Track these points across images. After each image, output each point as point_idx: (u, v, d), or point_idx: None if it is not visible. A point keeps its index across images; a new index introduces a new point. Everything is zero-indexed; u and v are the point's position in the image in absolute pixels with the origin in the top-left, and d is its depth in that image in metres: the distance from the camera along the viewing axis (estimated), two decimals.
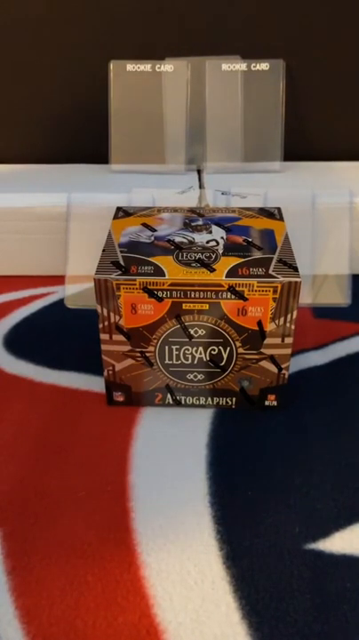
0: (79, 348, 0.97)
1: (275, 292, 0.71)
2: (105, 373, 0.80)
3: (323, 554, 0.62)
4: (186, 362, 0.78)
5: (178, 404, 0.83)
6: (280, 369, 0.78)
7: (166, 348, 0.77)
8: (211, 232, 0.81)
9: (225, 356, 0.77)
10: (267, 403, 0.82)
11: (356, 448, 0.76)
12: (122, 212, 0.89)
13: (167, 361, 0.78)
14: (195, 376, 0.79)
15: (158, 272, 0.72)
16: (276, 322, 0.74)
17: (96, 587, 0.59)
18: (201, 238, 0.80)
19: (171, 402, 0.82)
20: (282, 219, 0.86)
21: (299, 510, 0.67)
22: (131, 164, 1.28)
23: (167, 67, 1.23)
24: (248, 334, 0.75)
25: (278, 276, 0.71)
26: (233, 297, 0.72)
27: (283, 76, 1.23)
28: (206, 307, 0.73)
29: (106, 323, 0.75)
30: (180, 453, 0.75)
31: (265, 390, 0.80)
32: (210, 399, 0.82)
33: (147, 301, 0.73)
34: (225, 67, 1.23)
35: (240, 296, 0.72)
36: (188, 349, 0.77)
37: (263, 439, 0.77)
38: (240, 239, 0.80)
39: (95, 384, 0.88)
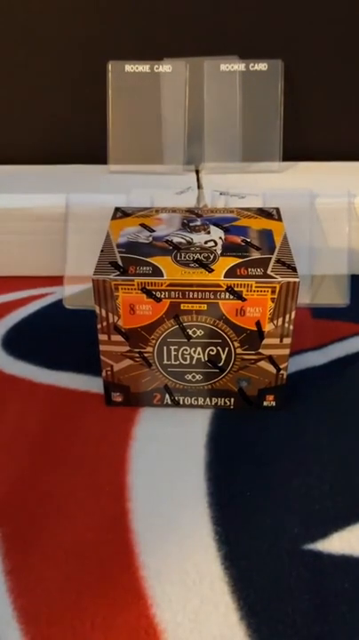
0: (78, 348, 0.97)
1: (273, 292, 0.71)
2: (103, 374, 0.80)
3: (321, 554, 0.62)
4: (184, 362, 0.78)
5: (176, 404, 0.83)
6: (278, 369, 0.78)
7: (165, 348, 0.77)
8: (209, 232, 0.81)
9: (223, 357, 0.77)
10: (265, 403, 0.82)
11: (355, 448, 0.76)
12: (120, 213, 0.89)
13: (165, 361, 0.78)
14: (194, 376, 0.79)
15: (156, 272, 0.72)
16: (275, 322, 0.74)
17: (95, 587, 0.59)
18: (199, 239, 0.80)
19: (169, 402, 0.82)
20: (280, 219, 0.86)
21: (297, 511, 0.67)
22: (130, 164, 1.28)
23: (165, 67, 1.23)
24: (246, 334, 0.75)
25: (276, 276, 0.71)
26: (231, 297, 0.72)
27: (282, 76, 1.23)
28: (204, 307, 0.73)
29: (104, 323, 0.75)
30: (179, 454, 0.75)
31: (263, 391, 0.80)
32: (208, 399, 0.82)
33: (145, 302, 0.73)
34: (223, 67, 1.23)
35: (238, 296, 0.72)
36: (187, 350, 0.77)
37: (262, 440, 0.77)
38: (238, 239, 0.80)
39: (94, 384, 0.88)
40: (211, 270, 0.72)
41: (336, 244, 1.11)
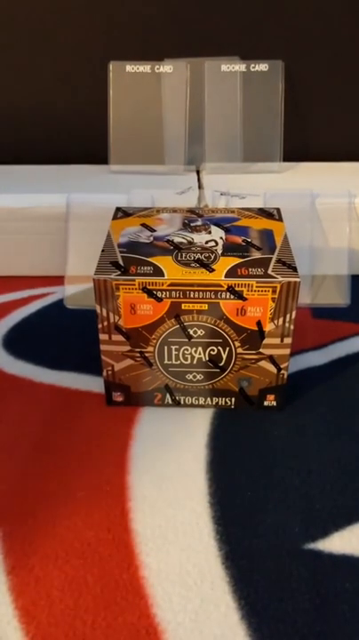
0: (78, 348, 0.97)
1: (274, 292, 0.71)
2: (104, 373, 0.80)
3: (322, 554, 0.62)
4: (185, 362, 0.78)
5: (177, 404, 0.83)
6: (279, 369, 0.78)
7: (165, 348, 0.77)
8: (210, 232, 0.81)
9: (224, 356, 0.77)
10: (266, 403, 0.82)
11: (356, 448, 0.76)
12: (121, 213, 0.89)
13: (166, 361, 0.78)
14: (195, 376, 0.79)
15: (157, 272, 0.72)
16: (275, 322, 0.74)
17: (95, 587, 0.59)
18: (200, 238, 0.80)
19: (170, 402, 0.82)
20: (281, 219, 0.86)
21: (298, 510, 0.67)
22: (131, 164, 1.28)
23: (166, 67, 1.23)
24: (247, 334, 0.75)
25: (277, 276, 0.71)
26: (232, 297, 0.72)
27: (283, 76, 1.23)
28: (205, 307, 0.73)
29: (105, 323, 0.75)
30: (180, 453, 0.75)
31: (264, 390, 0.80)
32: (209, 399, 0.82)
33: (146, 301, 0.73)
34: (224, 67, 1.23)
35: (239, 296, 0.72)
36: (188, 349, 0.77)
37: (262, 439, 0.77)
38: (239, 239, 0.80)
39: (94, 384, 0.88)
40: (211, 270, 0.72)
41: (336, 244, 1.11)
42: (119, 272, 0.72)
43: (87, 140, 1.34)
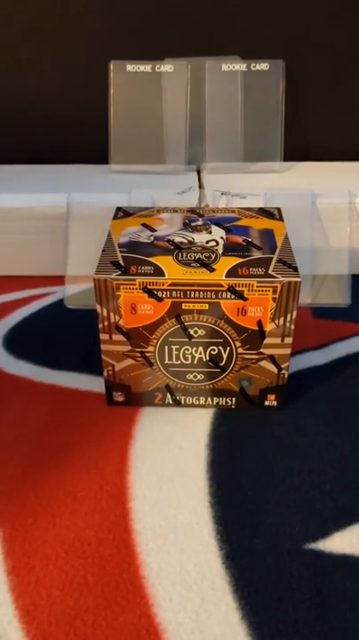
0: (79, 348, 0.97)
1: (274, 291, 0.71)
2: (105, 373, 0.80)
3: (322, 554, 0.62)
4: (185, 362, 0.78)
5: (177, 404, 0.83)
6: (280, 369, 0.78)
7: (166, 347, 0.77)
8: (210, 232, 0.81)
9: (224, 356, 0.77)
10: (266, 403, 0.82)
11: (356, 448, 0.76)
12: (121, 213, 0.89)
13: (167, 361, 0.78)
14: (195, 376, 0.79)
15: (158, 272, 0.72)
16: (276, 322, 0.74)
17: (96, 587, 0.59)
18: (200, 238, 0.80)
19: (170, 402, 0.82)
20: (281, 219, 0.86)
21: (298, 510, 0.67)
22: (131, 164, 1.28)
23: (167, 67, 1.23)
24: (248, 334, 0.75)
25: (278, 275, 0.71)
26: (232, 297, 0.72)
27: (283, 76, 1.23)
28: (206, 307, 0.73)
29: (105, 323, 0.75)
30: (180, 453, 0.75)
31: (265, 390, 0.80)
32: (209, 399, 0.82)
33: (146, 301, 0.73)
34: (225, 67, 1.23)
35: (240, 296, 0.72)
36: (188, 349, 0.77)
37: (263, 439, 0.77)
38: (239, 239, 0.80)
39: (95, 384, 0.88)
40: (212, 270, 0.72)
41: (337, 243, 1.11)
42: (120, 272, 0.72)
43: (87, 139, 1.34)
